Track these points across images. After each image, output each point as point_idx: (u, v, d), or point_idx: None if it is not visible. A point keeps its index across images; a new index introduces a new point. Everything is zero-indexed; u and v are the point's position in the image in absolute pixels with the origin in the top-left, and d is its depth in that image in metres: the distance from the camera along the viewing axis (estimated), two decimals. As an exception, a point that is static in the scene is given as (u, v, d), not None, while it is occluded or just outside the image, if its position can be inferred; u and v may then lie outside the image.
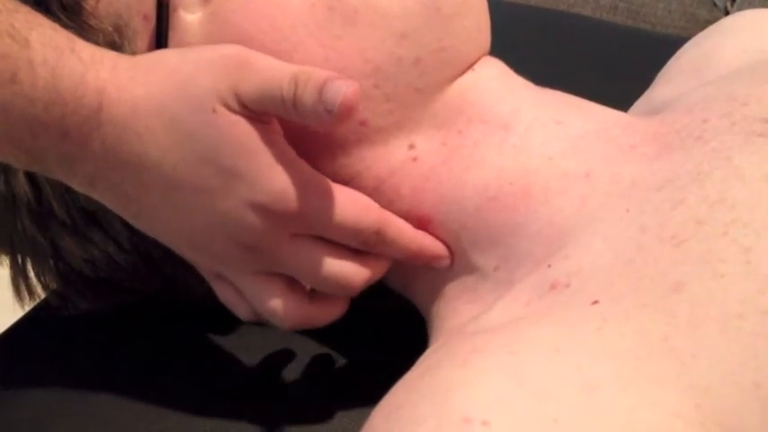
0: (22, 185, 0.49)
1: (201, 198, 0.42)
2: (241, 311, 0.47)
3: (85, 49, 0.40)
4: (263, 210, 0.42)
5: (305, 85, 0.40)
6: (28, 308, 0.56)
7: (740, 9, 1.22)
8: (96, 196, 0.44)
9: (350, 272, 0.45)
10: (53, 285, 0.54)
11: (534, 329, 0.36)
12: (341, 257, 0.44)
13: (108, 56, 0.41)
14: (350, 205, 0.43)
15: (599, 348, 0.34)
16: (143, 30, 0.46)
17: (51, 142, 0.40)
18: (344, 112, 0.39)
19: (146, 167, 0.41)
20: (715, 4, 1.27)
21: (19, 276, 0.54)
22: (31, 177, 0.49)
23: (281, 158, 0.42)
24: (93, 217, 0.50)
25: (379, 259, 0.46)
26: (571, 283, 0.39)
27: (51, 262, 0.52)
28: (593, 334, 0.35)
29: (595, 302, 0.36)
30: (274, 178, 0.41)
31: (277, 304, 0.45)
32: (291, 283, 0.45)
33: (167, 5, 0.46)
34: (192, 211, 0.43)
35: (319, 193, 0.43)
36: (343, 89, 0.39)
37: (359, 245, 0.45)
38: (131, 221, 0.45)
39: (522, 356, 0.34)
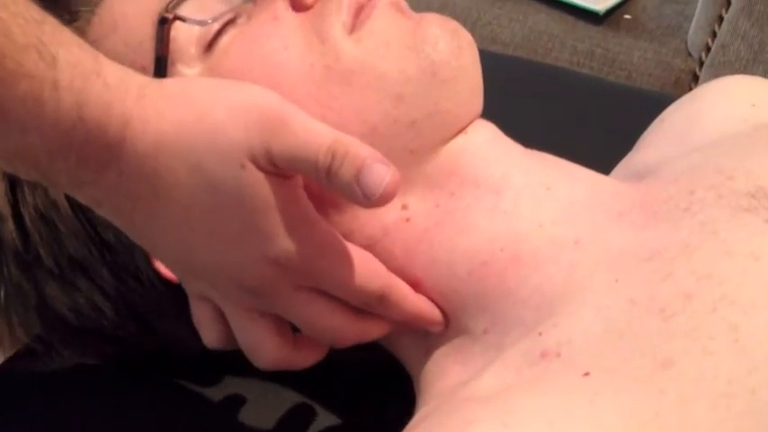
0: (9, 232, 0.49)
1: (212, 242, 0.42)
2: (210, 337, 0.47)
3: (112, 73, 0.39)
4: (275, 264, 0.42)
5: (342, 158, 0.39)
6: (9, 353, 0.56)
7: (714, 60, 1.24)
8: (101, 213, 0.43)
9: (344, 329, 0.45)
10: (36, 331, 0.54)
11: (526, 399, 0.37)
12: (338, 314, 0.44)
13: (135, 81, 0.40)
14: (359, 268, 0.43)
15: (591, 422, 0.35)
16: None
17: (67, 166, 0.39)
18: (384, 201, 0.39)
19: (160, 203, 0.41)
20: (690, 54, 1.30)
21: (2, 321, 0.53)
22: (19, 224, 0.49)
23: (300, 217, 0.42)
24: (79, 265, 0.50)
25: (376, 324, 0.46)
26: (561, 353, 0.39)
27: (35, 308, 0.52)
28: (585, 407, 0.35)
29: (586, 374, 0.37)
30: (291, 237, 0.41)
31: (260, 343, 0.45)
32: (279, 324, 0.45)
33: (165, 59, 0.46)
34: (201, 250, 0.42)
35: (332, 254, 0.43)
36: (386, 178, 0.39)
37: (360, 305, 0.45)
38: (130, 237, 0.44)
39: (514, 429, 0.34)
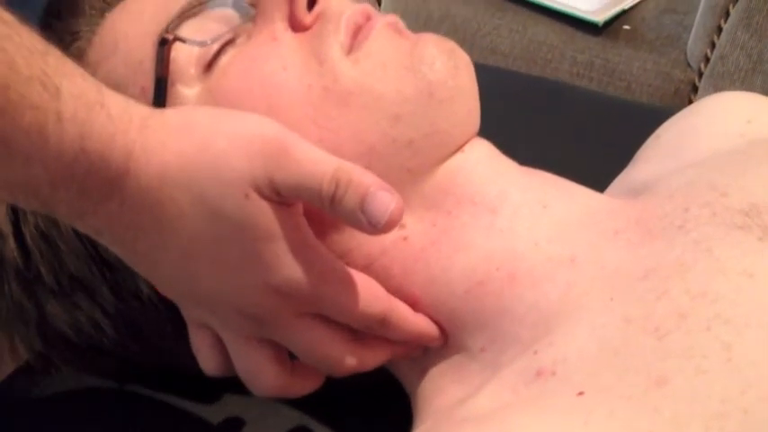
0: (11, 250, 0.49)
1: (214, 270, 0.42)
2: (209, 364, 0.48)
3: (115, 105, 0.39)
4: (277, 292, 0.42)
5: (346, 186, 0.39)
6: (10, 370, 0.56)
7: (713, 71, 1.25)
8: (101, 242, 0.44)
9: (343, 358, 0.45)
10: (37, 348, 0.54)
11: (521, 419, 0.37)
12: (339, 342, 0.45)
13: (137, 112, 0.40)
14: (361, 293, 0.44)
15: None
16: (140, 102, 0.47)
17: (68, 196, 0.39)
18: (389, 228, 0.39)
19: (163, 233, 0.41)
20: (689, 65, 1.30)
21: (3, 337, 0.54)
22: (20, 242, 0.49)
23: (302, 245, 0.42)
24: (80, 283, 0.50)
25: (374, 353, 0.46)
26: (557, 372, 0.39)
27: (36, 325, 0.52)
28: (580, 428, 0.36)
29: (581, 393, 0.37)
30: (293, 265, 0.41)
31: (259, 371, 0.46)
32: (278, 352, 0.46)
33: (165, 79, 0.47)
34: (203, 278, 0.43)
35: (334, 280, 0.43)
36: (391, 205, 0.39)
37: (362, 329, 0.45)
38: (129, 264, 0.45)
39: None
